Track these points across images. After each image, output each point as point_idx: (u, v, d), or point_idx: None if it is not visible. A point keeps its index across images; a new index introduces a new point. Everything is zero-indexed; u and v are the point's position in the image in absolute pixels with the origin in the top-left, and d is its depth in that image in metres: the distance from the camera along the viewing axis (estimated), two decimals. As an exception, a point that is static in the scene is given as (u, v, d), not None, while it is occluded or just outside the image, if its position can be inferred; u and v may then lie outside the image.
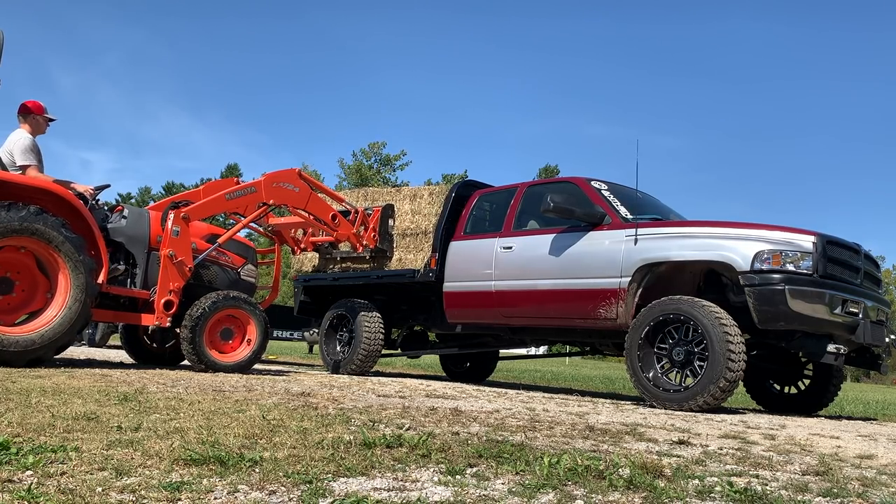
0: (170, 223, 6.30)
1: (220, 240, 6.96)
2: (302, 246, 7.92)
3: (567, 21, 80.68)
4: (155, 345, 7.55)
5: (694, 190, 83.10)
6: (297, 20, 79.69)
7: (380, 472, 2.12)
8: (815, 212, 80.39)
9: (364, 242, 7.61)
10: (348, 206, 7.74)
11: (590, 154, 78.79)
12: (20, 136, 6.01)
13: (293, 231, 7.88)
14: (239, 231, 7.28)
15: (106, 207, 6.58)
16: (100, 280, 5.78)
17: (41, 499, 1.61)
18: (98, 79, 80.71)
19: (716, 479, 2.32)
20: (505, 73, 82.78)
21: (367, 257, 7.86)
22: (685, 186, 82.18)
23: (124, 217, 6.49)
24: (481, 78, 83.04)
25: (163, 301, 6.24)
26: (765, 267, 5.24)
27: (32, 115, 6.18)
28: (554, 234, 6.41)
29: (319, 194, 7.52)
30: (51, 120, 6.37)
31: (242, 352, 6.64)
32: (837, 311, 5.23)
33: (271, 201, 7.02)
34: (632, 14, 78.63)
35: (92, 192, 6.26)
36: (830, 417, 6.17)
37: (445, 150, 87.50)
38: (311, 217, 7.36)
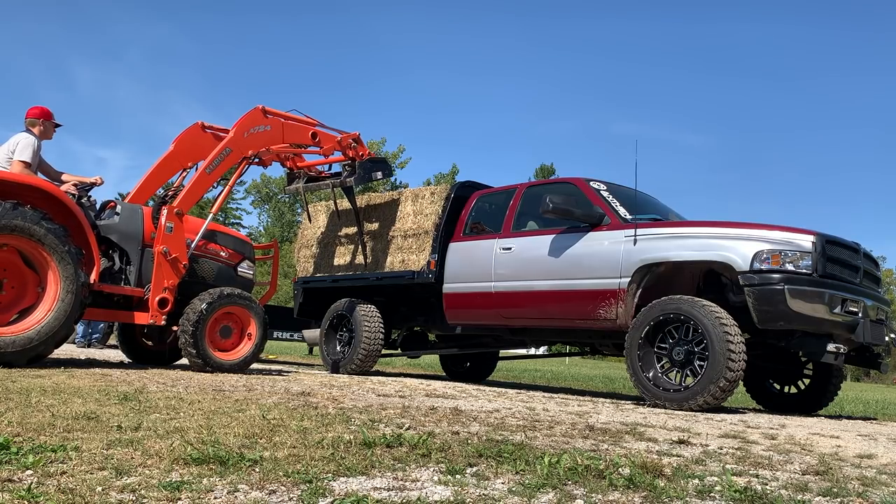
0: (163, 219, 6.23)
1: (213, 209, 7.03)
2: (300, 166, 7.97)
3: (590, 20, 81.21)
4: (152, 343, 7.45)
5: (716, 189, 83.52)
6: (317, 17, 79.62)
7: (380, 472, 2.12)
8: (834, 209, 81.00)
9: (360, 153, 7.69)
10: (321, 130, 7.69)
11: (613, 152, 78.82)
12: (25, 136, 6.10)
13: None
14: (227, 196, 7.23)
15: (97, 204, 6.49)
16: (92, 278, 5.71)
17: (41, 498, 1.61)
18: (119, 75, 79.30)
19: (716, 478, 2.32)
20: (528, 71, 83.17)
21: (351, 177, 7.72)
22: (707, 185, 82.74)
23: (117, 213, 6.40)
24: (496, 77, 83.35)
25: (157, 299, 6.18)
26: (764, 267, 5.24)
27: (40, 121, 6.25)
28: (553, 235, 6.41)
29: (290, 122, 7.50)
30: (57, 125, 6.44)
31: (243, 349, 6.57)
32: (837, 310, 5.23)
33: (250, 152, 6.92)
34: (656, 12, 79.08)
35: (75, 185, 6.21)
36: (830, 417, 6.17)
37: (456, 149, 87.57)
38: (293, 146, 7.38)
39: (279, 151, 7.50)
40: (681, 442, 3.25)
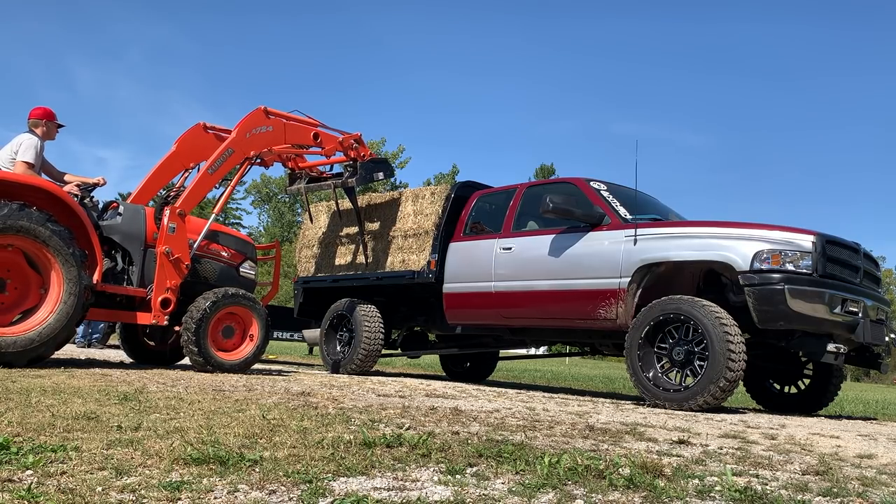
0: (165, 220, 6.26)
1: (215, 209, 7.06)
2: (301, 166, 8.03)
3: (590, 20, 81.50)
4: (154, 343, 7.46)
5: (716, 189, 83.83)
6: (317, 17, 79.62)
7: (380, 472, 2.12)
8: (834, 209, 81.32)
9: (362, 153, 7.75)
10: (322, 130, 7.73)
11: (613, 152, 78.98)
12: (28, 137, 6.11)
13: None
14: (230, 194, 7.32)
15: (100, 204, 6.53)
16: (95, 278, 5.72)
17: (41, 498, 1.61)
18: (119, 75, 78.97)
19: (716, 478, 2.32)
20: (528, 71, 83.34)
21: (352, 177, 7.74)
22: (707, 185, 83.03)
23: (119, 214, 6.41)
24: (496, 77, 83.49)
25: (160, 299, 6.19)
26: (764, 266, 5.24)
27: (43, 121, 6.27)
28: (553, 235, 6.41)
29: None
30: (60, 126, 6.45)
31: (245, 349, 6.57)
32: (837, 310, 5.23)
33: (252, 153, 6.98)
34: (656, 12, 79.35)
35: (77, 185, 6.24)
36: (830, 417, 6.16)
37: (456, 149, 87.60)
38: (295, 146, 7.46)
39: (281, 152, 7.52)
40: (681, 442, 3.25)
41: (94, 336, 11.36)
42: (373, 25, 79.73)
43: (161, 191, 7.22)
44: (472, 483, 2.05)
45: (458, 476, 2.13)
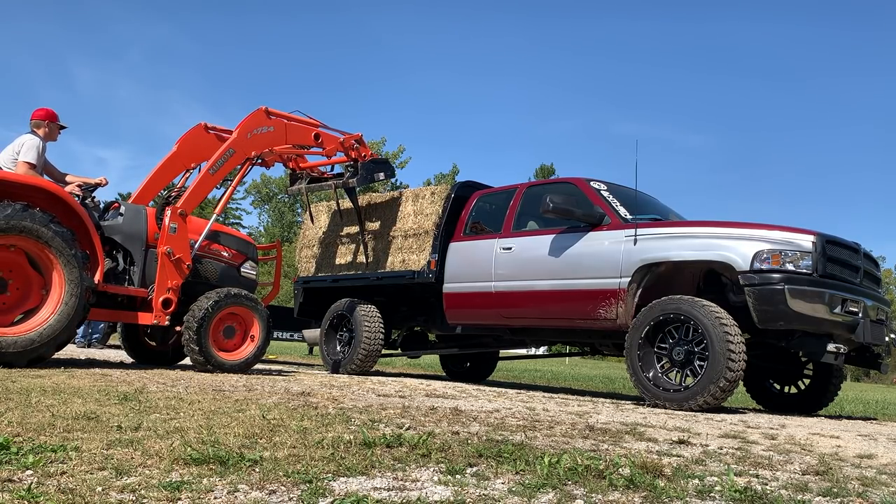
0: (167, 220, 6.27)
1: (216, 210, 7.09)
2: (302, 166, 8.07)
3: (590, 20, 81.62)
4: (155, 343, 7.47)
5: (716, 189, 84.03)
6: (317, 17, 79.66)
7: (380, 472, 2.12)
8: (834, 209, 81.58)
9: (363, 154, 7.79)
10: (323, 131, 7.74)
11: (613, 152, 78.99)
12: (30, 138, 6.12)
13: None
14: (231, 194, 7.42)
15: (101, 204, 6.55)
16: (96, 279, 5.73)
17: (41, 498, 1.61)
18: (119, 75, 78.74)
19: (716, 478, 2.32)
20: (528, 71, 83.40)
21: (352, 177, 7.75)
22: (707, 185, 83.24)
23: (121, 214, 6.43)
24: (496, 77, 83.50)
25: (161, 299, 6.20)
26: (764, 266, 5.24)
27: (45, 122, 6.29)
28: (553, 235, 6.41)
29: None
30: (62, 127, 6.46)
31: (246, 349, 6.59)
32: (837, 310, 5.23)
33: (253, 153, 7.02)
34: (656, 12, 79.49)
35: (79, 186, 6.25)
36: (830, 417, 6.16)
37: (456, 149, 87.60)
38: (296, 147, 7.50)
39: (282, 152, 7.53)
40: (681, 442, 3.25)
41: (94, 336, 11.36)
42: (373, 25, 79.74)
43: (162, 191, 7.23)
44: (472, 483, 2.05)
45: (458, 476, 2.13)
